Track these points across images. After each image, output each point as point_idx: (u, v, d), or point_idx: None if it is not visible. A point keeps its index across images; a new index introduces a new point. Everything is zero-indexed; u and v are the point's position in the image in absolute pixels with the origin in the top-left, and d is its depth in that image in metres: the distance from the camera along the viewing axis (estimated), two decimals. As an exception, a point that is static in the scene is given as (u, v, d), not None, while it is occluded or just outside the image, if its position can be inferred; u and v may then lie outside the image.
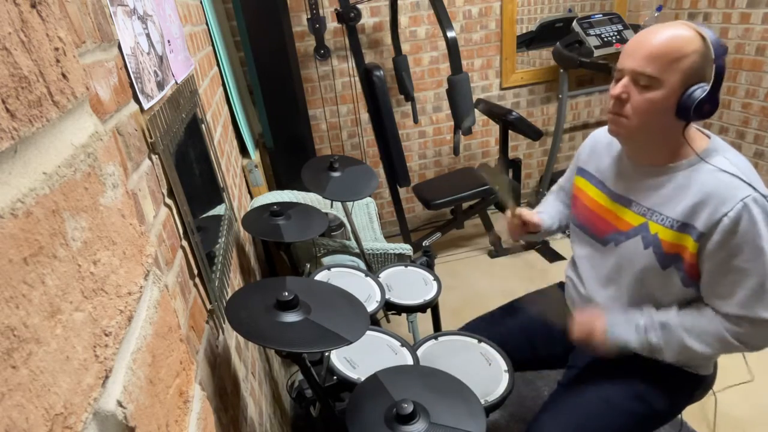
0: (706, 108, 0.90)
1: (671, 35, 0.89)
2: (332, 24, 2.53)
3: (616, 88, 0.95)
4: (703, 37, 0.89)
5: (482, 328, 1.37)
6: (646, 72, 0.90)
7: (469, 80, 2.23)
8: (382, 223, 2.78)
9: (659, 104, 0.92)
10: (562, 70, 2.86)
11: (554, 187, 1.41)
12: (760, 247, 0.89)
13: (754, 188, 0.90)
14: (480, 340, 1.23)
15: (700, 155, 0.96)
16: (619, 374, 1.13)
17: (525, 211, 1.26)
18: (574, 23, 2.72)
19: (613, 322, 1.06)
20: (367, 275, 1.51)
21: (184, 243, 0.85)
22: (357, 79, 2.55)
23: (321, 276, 1.50)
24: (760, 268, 0.90)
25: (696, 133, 1.00)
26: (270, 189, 2.31)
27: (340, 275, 1.52)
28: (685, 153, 0.98)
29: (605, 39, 2.68)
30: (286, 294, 0.85)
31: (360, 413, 0.89)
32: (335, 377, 1.14)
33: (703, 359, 1.08)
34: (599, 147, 1.17)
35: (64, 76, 0.31)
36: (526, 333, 1.33)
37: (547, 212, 1.32)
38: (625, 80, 0.94)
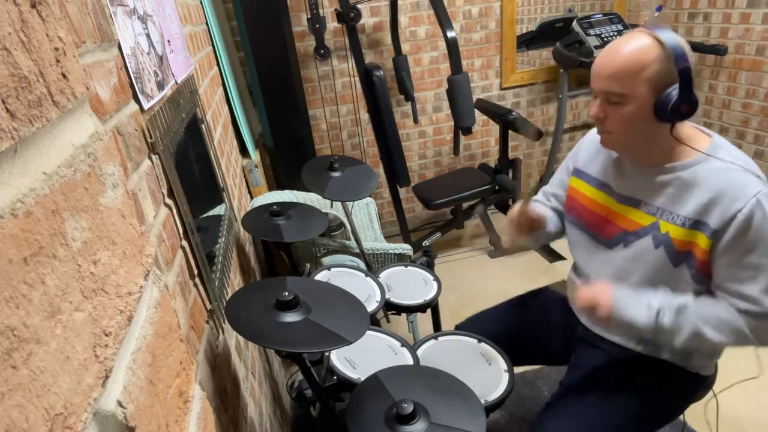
0: (684, 108, 0.90)
1: (629, 50, 0.91)
2: (332, 24, 2.53)
3: (592, 109, 1.00)
4: (660, 42, 0.90)
5: (480, 324, 1.37)
6: (612, 90, 0.94)
7: (469, 80, 2.22)
8: (382, 223, 2.78)
9: (635, 115, 0.94)
10: (562, 70, 2.86)
11: (541, 197, 1.36)
12: None
13: (764, 183, 0.91)
14: (480, 340, 1.23)
15: (705, 152, 0.96)
16: (621, 375, 1.13)
17: (525, 213, 1.19)
18: (574, 23, 2.72)
19: (622, 300, 1.01)
20: (367, 275, 1.51)
21: (184, 243, 0.85)
22: (357, 79, 2.55)
23: (321, 276, 1.50)
24: None
25: (697, 132, 1.00)
26: (270, 189, 2.31)
27: (340, 275, 1.52)
28: (686, 151, 0.98)
29: (605, 39, 2.67)
30: (286, 294, 0.85)
31: (360, 413, 0.89)
32: (335, 377, 1.14)
33: (710, 348, 1.07)
34: (598, 148, 1.17)
35: (64, 76, 0.31)
36: (525, 328, 1.33)
37: (545, 211, 1.29)
38: (598, 100, 0.98)
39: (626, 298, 1.01)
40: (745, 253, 0.91)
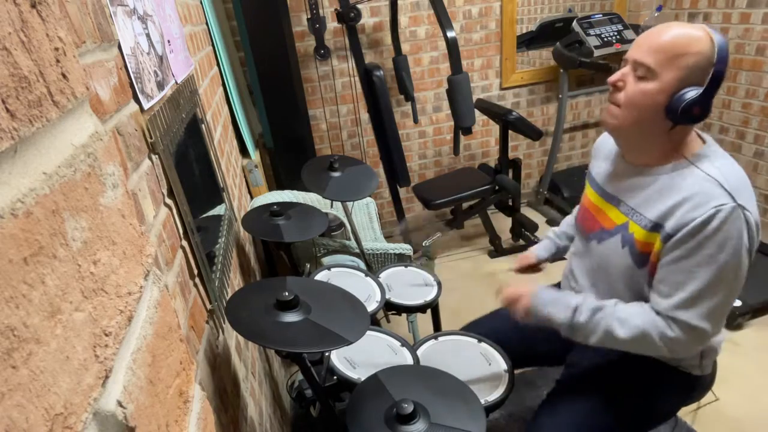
0: (695, 111, 0.89)
1: (681, 33, 0.90)
2: (332, 24, 2.53)
3: (614, 75, 0.97)
4: (712, 42, 0.88)
5: (480, 327, 1.37)
6: (645, 62, 0.91)
7: (469, 80, 2.22)
8: (382, 223, 2.78)
9: (650, 97, 0.92)
10: (562, 70, 2.86)
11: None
12: (714, 256, 0.88)
13: (733, 198, 0.87)
14: (480, 340, 1.23)
15: (688, 158, 0.96)
16: (617, 373, 1.13)
17: (524, 259, 1.37)
18: (574, 23, 2.72)
19: (542, 300, 1.08)
20: (367, 275, 1.51)
21: (184, 243, 0.85)
22: (357, 79, 2.55)
23: (321, 276, 1.50)
24: (706, 276, 0.89)
25: (693, 135, 1.00)
26: (270, 189, 2.31)
27: (340, 275, 1.52)
28: (674, 156, 0.98)
29: (605, 39, 2.68)
30: (286, 294, 0.85)
31: (360, 413, 0.89)
32: (335, 377, 1.14)
33: (624, 348, 1.06)
34: (603, 149, 1.18)
35: (64, 76, 0.31)
36: (524, 331, 1.33)
37: (542, 244, 1.40)
38: (625, 69, 0.96)
39: (548, 297, 1.08)
40: (683, 258, 0.91)
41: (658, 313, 0.96)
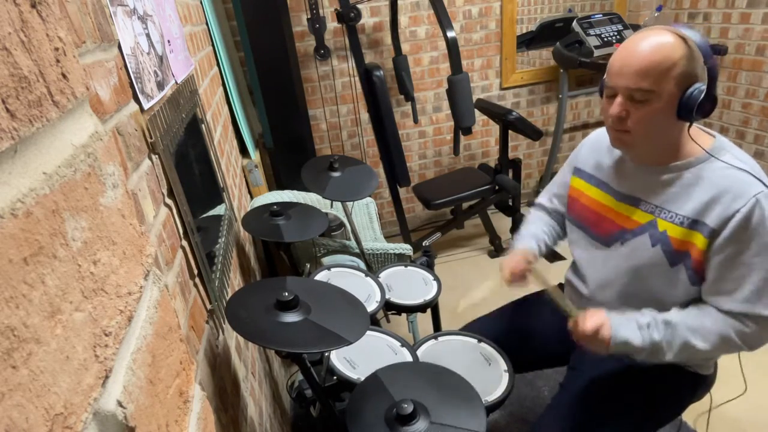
0: (707, 107, 0.91)
1: (655, 45, 0.90)
2: (332, 24, 2.53)
3: (614, 108, 0.95)
4: (684, 40, 0.90)
5: (481, 328, 1.37)
6: (641, 87, 0.91)
7: (469, 80, 2.22)
8: (382, 223, 2.78)
9: (660, 113, 0.92)
10: (562, 70, 2.86)
11: (543, 200, 1.37)
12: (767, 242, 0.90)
13: (765, 184, 0.91)
14: (480, 340, 1.23)
15: (709, 152, 0.96)
16: (621, 375, 1.13)
17: (514, 263, 1.19)
18: (574, 23, 2.72)
19: (616, 322, 1.04)
20: (367, 275, 1.51)
21: (184, 243, 0.85)
22: (357, 79, 2.55)
23: (321, 276, 1.50)
24: (766, 263, 0.90)
25: (700, 132, 1.00)
26: (270, 189, 2.31)
27: (340, 275, 1.52)
28: (689, 151, 0.98)
29: (605, 39, 2.68)
30: (286, 294, 0.85)
31: (360, 413, 0.89)
32: (335, 377, 1.14)
33: (702, 358, 1.07)
34: (599, 148, 1.17)
35: (64, 76, 0.31)
36: (525, 333, 1.33)
37: (531, 236, 1.27)
38: (620, 99, 0.94)
39: (620, 322, 1.03)
40: (739, 252, 0.91)
41: (726, 312, 0.95)
